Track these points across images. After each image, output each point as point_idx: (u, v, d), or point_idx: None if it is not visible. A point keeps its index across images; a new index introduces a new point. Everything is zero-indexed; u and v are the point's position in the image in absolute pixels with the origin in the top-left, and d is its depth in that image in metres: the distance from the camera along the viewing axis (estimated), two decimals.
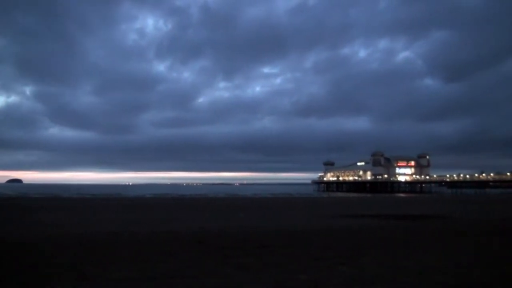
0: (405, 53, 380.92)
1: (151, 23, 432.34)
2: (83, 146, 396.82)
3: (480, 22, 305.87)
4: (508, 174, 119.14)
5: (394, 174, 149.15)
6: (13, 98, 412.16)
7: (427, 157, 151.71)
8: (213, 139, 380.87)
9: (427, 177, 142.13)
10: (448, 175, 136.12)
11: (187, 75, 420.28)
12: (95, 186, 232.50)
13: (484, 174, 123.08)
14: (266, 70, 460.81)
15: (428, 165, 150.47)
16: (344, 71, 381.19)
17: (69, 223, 20.22)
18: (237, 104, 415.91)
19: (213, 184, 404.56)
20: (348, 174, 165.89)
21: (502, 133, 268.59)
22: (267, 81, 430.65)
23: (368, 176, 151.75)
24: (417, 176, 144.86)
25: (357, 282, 7.53)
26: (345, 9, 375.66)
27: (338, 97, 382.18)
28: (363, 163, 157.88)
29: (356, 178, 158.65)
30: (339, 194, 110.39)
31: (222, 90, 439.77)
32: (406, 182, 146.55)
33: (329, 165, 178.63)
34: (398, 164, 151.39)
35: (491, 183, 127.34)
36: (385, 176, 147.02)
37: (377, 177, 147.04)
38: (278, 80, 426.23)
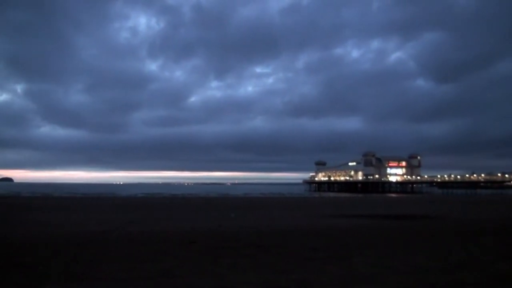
0: (397, 53, 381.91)
1: (143, 22, 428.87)
2: (75, 145, 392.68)
3: (472, 23, 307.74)
4: (499, 175, 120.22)
5: (385, 175, 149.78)
6: (5, 96, 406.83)
7: (418, 157, 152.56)
8: (205, 139, 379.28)
9: (418, 177, 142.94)
10: (439, 176, 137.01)
11: (179, 74, 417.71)
12: (86, 186, 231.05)
13: (475, 175, 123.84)
14: (258, 69, 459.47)
15: (419, 166, 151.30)
16: (337, 71, 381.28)
17: (61, 223, 20.10)
18: (229, 103, 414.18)
19: (205, 183, 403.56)
20: (339, 174, 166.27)
21: (493, 134, 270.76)
22: (260, 80, 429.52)
23: (360, 176, 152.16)
24: (408, 177, 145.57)
25: (348, 281, 7.59)
26: (338, 10, 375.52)
27: (330, 97, 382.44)
28: (354, 163, 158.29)
29: (348, 178, 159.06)
30: (331, 194, 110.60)
31: (214, 90, 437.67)
32: (397, 183, 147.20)
33: (320, 165, 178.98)
34: (389, 164, 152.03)
35: (481, 184, 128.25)
36: (377, 176, 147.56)
37: (369, 177, 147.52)
38: (270, 80, 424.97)
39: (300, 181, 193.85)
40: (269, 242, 12.92)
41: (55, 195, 75.38)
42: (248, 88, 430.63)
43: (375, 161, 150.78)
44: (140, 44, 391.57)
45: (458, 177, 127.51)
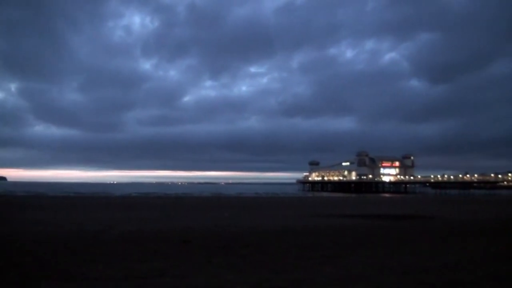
0: (391, 54, 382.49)
1: (137, 21, 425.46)
2: (68, 144, 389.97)
3: (466, 24, 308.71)
4: (492, 175, 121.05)
5: (379, 175, 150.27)
6: None
7: (412, 157, 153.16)
8: (199, 138, 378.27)
9: (412, 177, 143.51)
10: (432, 176, 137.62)
11: (173, 73, 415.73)
12: (80, 185, 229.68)
13: (468, 175, 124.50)
14: (253, 69, 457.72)
15: (412, 166, 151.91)
16: (331, 72, 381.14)
17: (55, 222, 19.98)
18: (224, 103, 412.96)
19: (199, 183, 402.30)
20: (333, 174, 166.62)
21: (487, 134, 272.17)
22: (254, 80, 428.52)
23: (353, 176, 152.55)
24: (402, 177, 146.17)
25: (342, 281, 7.61)
26: (332, 10, 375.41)
27: (325, 97, 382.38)
28: (348, 163, 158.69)
29: (341, 178, 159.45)
30: (324, 194, 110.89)
31: (208, 89, 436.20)
32: (390, 183, 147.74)
33: (314, 165, 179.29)
34: (383, 164, 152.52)
35: (475, 184, 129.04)
36: (370, 176, 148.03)
37: (362, 177, 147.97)
38: (264, 80, 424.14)
39: (294, 181, 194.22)
40: (263, 242, 12.94)
41: (50, 194, 74.90)
42: (243, 88, 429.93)
43: (368, 161, 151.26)
44: (134, 43, 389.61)
45: (452, 177, 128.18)
